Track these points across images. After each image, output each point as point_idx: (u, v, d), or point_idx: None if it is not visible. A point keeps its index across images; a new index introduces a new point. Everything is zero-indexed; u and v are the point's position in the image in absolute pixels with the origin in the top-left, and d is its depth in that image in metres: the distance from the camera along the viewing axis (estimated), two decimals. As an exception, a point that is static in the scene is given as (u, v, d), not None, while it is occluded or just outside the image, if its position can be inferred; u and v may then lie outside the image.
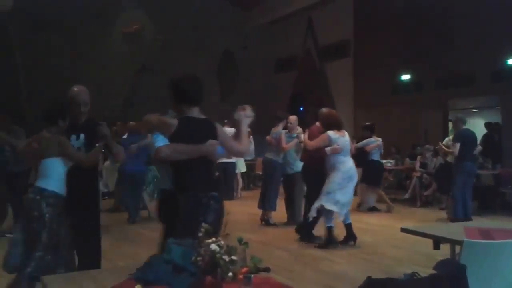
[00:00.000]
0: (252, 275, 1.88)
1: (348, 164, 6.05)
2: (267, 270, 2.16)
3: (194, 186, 2.98)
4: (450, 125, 10.62)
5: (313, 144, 6.13)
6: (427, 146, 10.45)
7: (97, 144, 3.59)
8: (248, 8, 16.35)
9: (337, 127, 6.13)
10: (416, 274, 2.22)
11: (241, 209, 9.29)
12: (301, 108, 14.96)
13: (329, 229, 6.08)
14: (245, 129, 3.20)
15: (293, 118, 7.63)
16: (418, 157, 10.37)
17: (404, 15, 12.09)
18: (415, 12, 11.78)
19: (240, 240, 1.94)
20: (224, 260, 1.78)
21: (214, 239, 1.84)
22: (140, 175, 8.11)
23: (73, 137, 3.65)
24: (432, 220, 8.11)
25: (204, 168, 3.06)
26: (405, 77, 12.59)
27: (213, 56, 16.39)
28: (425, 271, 2.33)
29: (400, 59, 12.24)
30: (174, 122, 2.96)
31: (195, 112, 3.07)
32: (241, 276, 1.85)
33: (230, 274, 1.79)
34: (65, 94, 3.67)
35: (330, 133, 6.02)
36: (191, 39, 15.27)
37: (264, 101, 16.60)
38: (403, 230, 3.80)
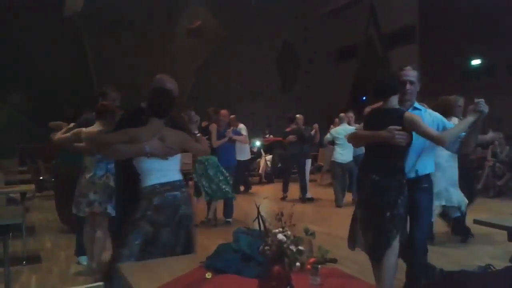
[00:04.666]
0: (319, 266, 1.89)
1: None
2: (334, 261, 2.16)
3: None
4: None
5: None
6: (496, 133, 9.91)
7: (196, 133, 3.35)
8: (308, -1, 16.20)
9: None
10: (490, 266, 2.14)
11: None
12: (363, 98, 14.65)
13: None
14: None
15: None
16: (490, 146, 9.89)
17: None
18: (485, -8, 11.16)
19: (306, 231, 1.96)
20: (291, 250, 1.80)
21: (281, 229, 1.86)
22: None
23: None
24: (506, 211, 7.70)
25: None
26: (476, 62, 11.98)
27: (273, 48, 16.41)
28: (499, 264, 2.23)
29: (470, 43, 11.65)
30: None
31: None
32: (308, 266, 1.87)
33: (297, 264, 1.81)
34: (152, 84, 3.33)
35: None
36: (251, 32, 15.37)
37: (325, 92, 16.43)
38: (476, 221, 3.64)
